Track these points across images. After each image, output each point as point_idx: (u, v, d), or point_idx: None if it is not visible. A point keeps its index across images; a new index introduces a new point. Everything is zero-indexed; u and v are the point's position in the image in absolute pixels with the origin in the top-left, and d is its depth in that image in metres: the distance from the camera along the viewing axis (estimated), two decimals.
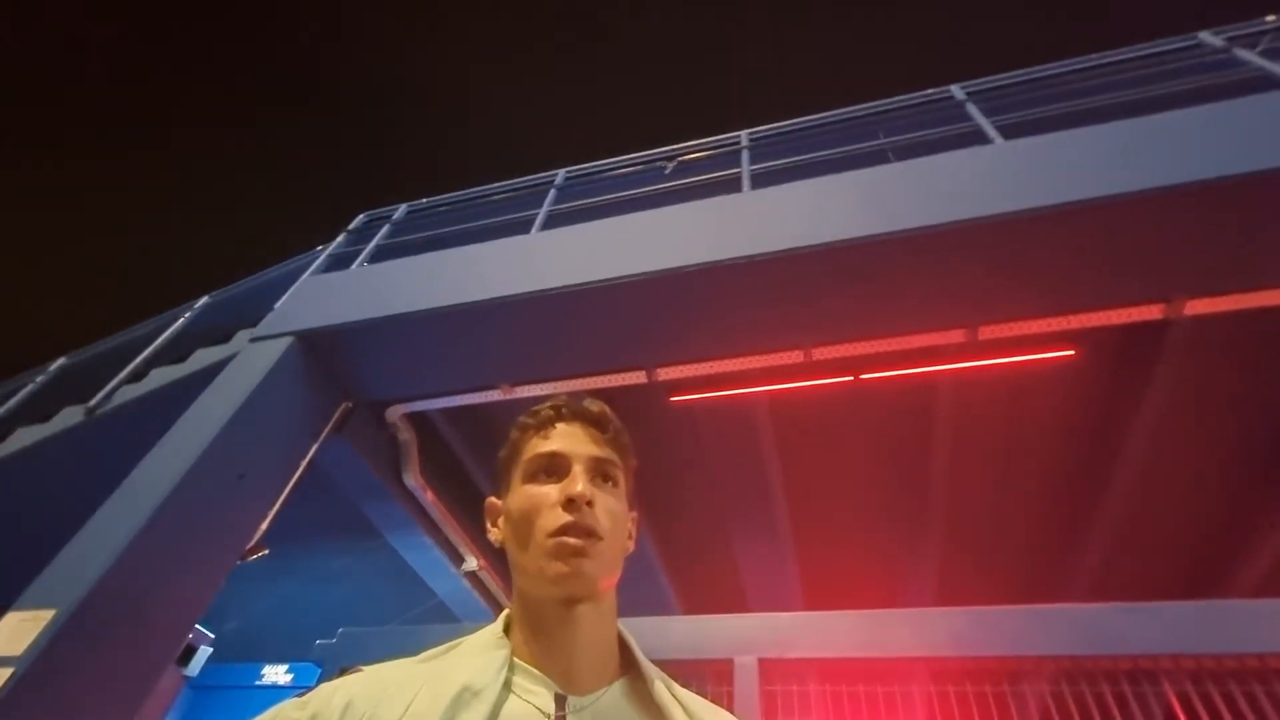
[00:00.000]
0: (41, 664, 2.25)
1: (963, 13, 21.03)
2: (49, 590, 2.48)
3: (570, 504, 0.76)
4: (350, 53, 23.35)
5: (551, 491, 0.79)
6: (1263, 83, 3.32)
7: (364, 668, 0.79)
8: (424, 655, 0.80)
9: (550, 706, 0.73)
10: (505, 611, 0.86)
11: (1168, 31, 4.01)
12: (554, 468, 0.82)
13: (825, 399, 4.11)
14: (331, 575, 6.06)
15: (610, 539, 0.78)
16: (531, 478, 0.82)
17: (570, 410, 0.87)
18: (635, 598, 5.58)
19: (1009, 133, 3.49)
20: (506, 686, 0.74)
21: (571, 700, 0.74)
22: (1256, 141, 2.78)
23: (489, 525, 0.89)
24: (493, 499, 0.91)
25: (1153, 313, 3.22)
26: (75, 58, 21.16)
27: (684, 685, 0.84)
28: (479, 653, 0.78)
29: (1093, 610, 2.60)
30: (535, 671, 0.76)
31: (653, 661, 0.83)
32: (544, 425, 0.86)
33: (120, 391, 4.19)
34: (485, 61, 23.86)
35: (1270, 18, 3.84)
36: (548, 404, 0.88)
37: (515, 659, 0.77)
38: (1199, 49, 3.83)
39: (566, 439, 0.83)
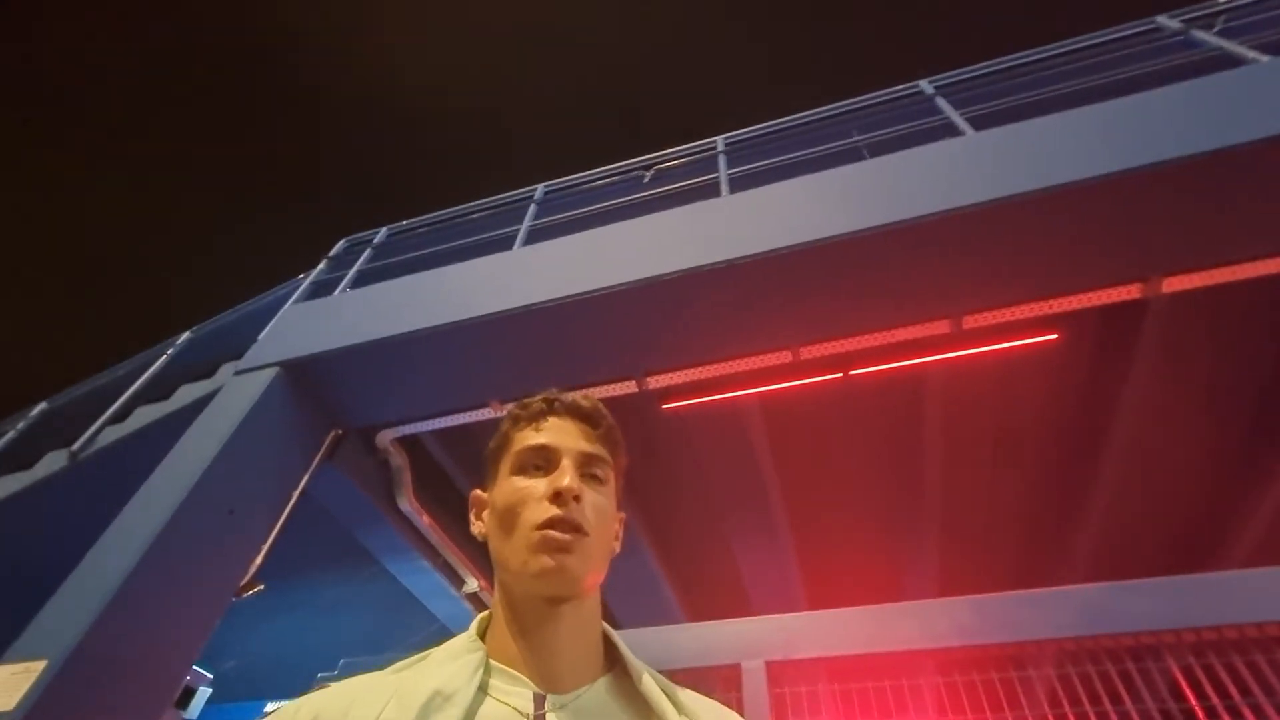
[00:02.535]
0: (35, 717, 2.20)
1: (928, 8, 21.39)
2: (39, 641, 2.42)
3: (558, 497, 0.74)
4: (324, 81, 23.32)
5: (539, 484, 0.77)
6: (1221, 61, 3.39)
7: (331, 684, 0.77)
8: (395, 666, 0.78)
9: (529, 706, 0.71)
10: (480, 615, 0.84)
11: (1127, 16, 4.10)
12: (543, 461, 0.80)
13: (816, 397, 4.12)
14: (330, 606, 5.98)
15: (596, 536, 0.76)
16: (519, 470, 0.80)
17: (563, 404, 0.85)
18: (638, 608, 5.55)
19: (979, 124, 3.54)
20: (482, 689, 0.72)
21: (551, 699, 0.72)
22: (1219, 119, 2.84)
23: (473, 518, 0.87)
24: (477, 491, 0.88)
25: (1131, 292, 3.27)
26: (43, 91, 20.96)
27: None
28: (451, 658, 0.75)
29: (1092, 590, 2.62)
30: (512, 672, 0.74)
31: (660, 671, 0.81)
32: (535, 418, 0.84)
33: (104, 433, 4.12)
34: (461, 78, 23.90)
35: None
36: (540, 396, 0.87)
37: (492, 660, 0.75)
38: (1158, 32, 3.92)
39: (557, 433, 0.82)
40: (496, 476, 0.84)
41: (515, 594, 0.76)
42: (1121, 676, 2.34)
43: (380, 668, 0.78)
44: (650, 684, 0.76)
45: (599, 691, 0.76)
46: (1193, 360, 3.98)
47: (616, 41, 23.39)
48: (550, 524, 0.73)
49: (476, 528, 0.85)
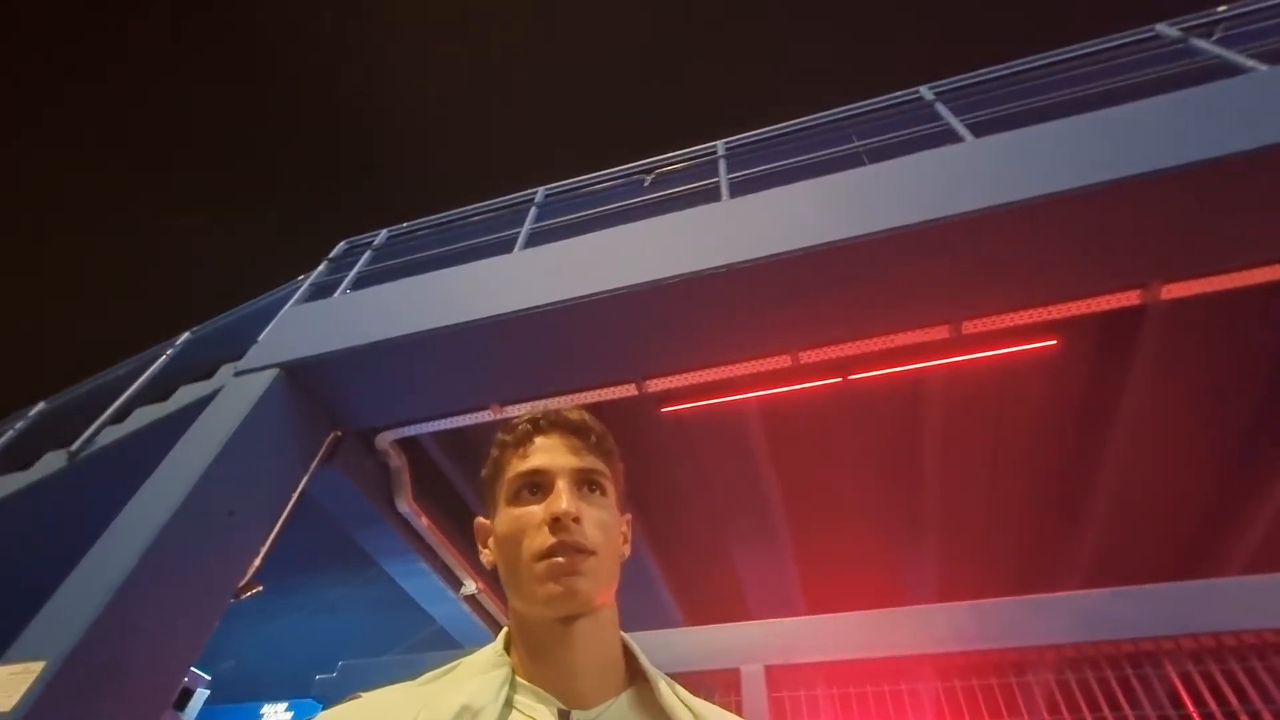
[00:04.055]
0: (34, 718, 2.19)
1: (927, 16, 21.46)
2: (38, 641, 2.42)
3: (556, 523, 0.73)
4: (325, 84, 23.36)
5: (536, 511, 0.76)
6: (1220, 70, 3.41)
7: (362, 694, 0.77)
8: (424, 678, 0.78)
9: None
10: (505, 629, 0.83)
11: (1126, 24, 4.11)
12: (537, 485, 0.78)
13: (815, 402, 4.13)
14: (328, 607, 5.97)
15: (603, 551, 0.75)
16: (515, 498, 0.79)
17: (548, 421, 0.83)
18: (638, 612, 5.55)
19: (979, 130, 3.55)
20: (508, 705, 0.72)
21: (575, 715, 0.72)
22: (1218, 127, 2.85)
23: (480, 547, 0.86)
24: (481, 520, 0.87)
25: (1130, 299, 3.27)
26: (41, 88, 20.99)
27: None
28: (479, 672, 0.76)
29: (1091, 596, 2.62)
30: (537, 689, 0.74)
31: None
32: (522, 441, 0.82)
33: (103, 434, 4.12)
34: (458, 82, 23.95)
35: (1222, 8, 3.96)
36: (525, 417, 0.84)
37: (517, 677, 0.76)
38: (1157, 40, 3.93)
39: (547, 453, 0.80)
40: (495, 505, 0.83)
41: (529, 618, 0.76)
42: (1120, 683, 2.34)
43: (411, 677, 0.78)
44: (671, 697, 0.76)
45: (622, 706, 0.76)
46: (1192, 366, 3.98)
47: (619, 45, 23.45)
48: (553, 551, 0.72)
49: (485, 556, 0.84)
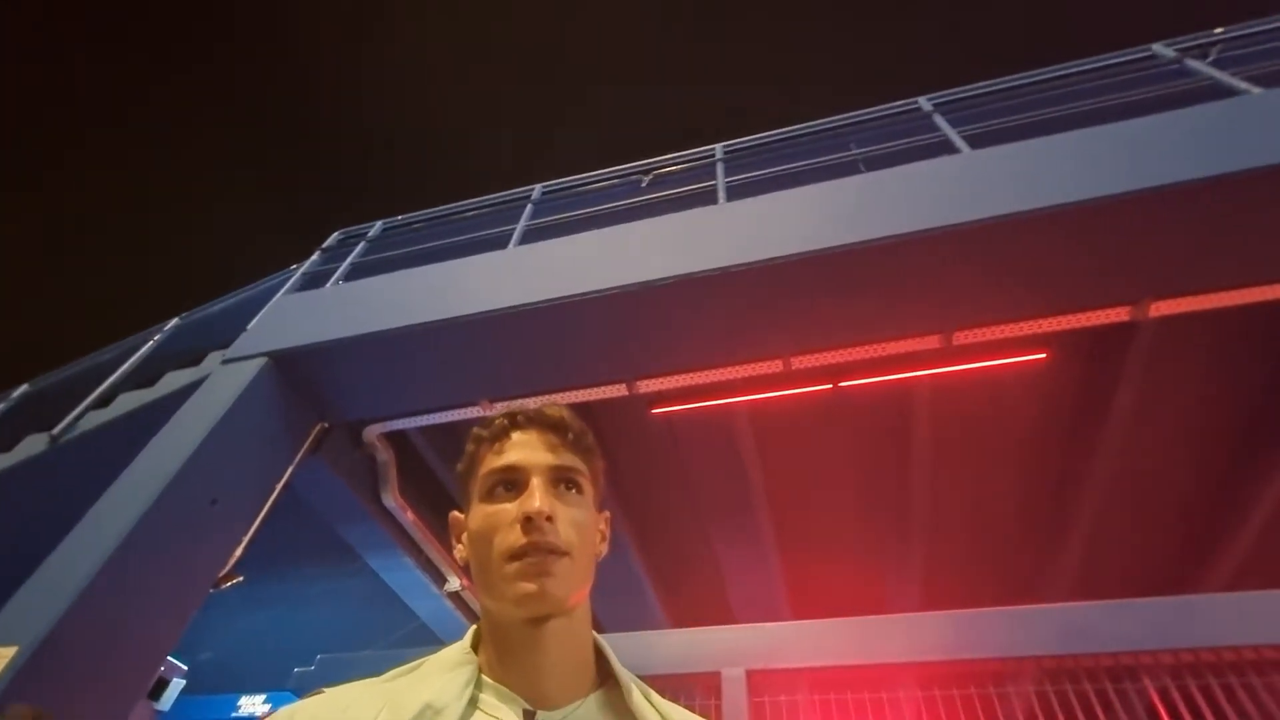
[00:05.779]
0: (4, 705, 2.16)
1: (929, 27, 21.62)
2: (11, 626, 2.38)
3: (528, 523, 0.71)
4: (323, 69, 23.24)
5: (510, 508, 0.74)
6: (1213, 91, 3.45)
7: (325, 689, 0.75)
8: (389, 674, 0.76)
9: None
10: (473, 627, 0.82)
11: (1124, 43, 4.15)
12: (511, 482, 0.76)
13: (805, 407, 4.13)
14: (309, 600, 5.92)
15: (577, 552, 0.73)
16: (489, 494, 0.77)
17: (526, 417, 0.81)
18: (621, 613, 5.53)
19: (976, 142, 3.58)
20: (472, 704, 0.71)
21: (541, 715, 0.71)
22: (1211, 147, 2.88)
23: (454, 542, 0.84)
24: (456, 514, 0.86)
25: (1120, 314, 3.30)
26: (39, 76, 20.77)
27: (671, 699, 0.82)
28: (444, 670, 0.74)
29: (1074, 609, 2.64)
30: (502, 688, 0.73)
31: (640, 677, 0.80)
32: (498, 436, 0.80)
33: (86, 418, 4.07)
34: (460, 75, 23.89)
35: (1218, 30, 4.00)
36: (502, 413, 0.83)
37: (483, 676, 0.74)
38: (1153, 60, 3.97)
39: (523, 449, 0.78)
40: (469, 501, 0.81)
41: (499, 618, 0.75)
42: (1099, 696, 2.35)
43: (376, 674, 0.77)
44: (640, 700, 0.75)
45: (590, 708, 0.74)
46: (1179, 383, 4.02)
47: (618, 47, 23.47)
48: (524, 551, 0.70)
49: (458, 551, 0.82)
